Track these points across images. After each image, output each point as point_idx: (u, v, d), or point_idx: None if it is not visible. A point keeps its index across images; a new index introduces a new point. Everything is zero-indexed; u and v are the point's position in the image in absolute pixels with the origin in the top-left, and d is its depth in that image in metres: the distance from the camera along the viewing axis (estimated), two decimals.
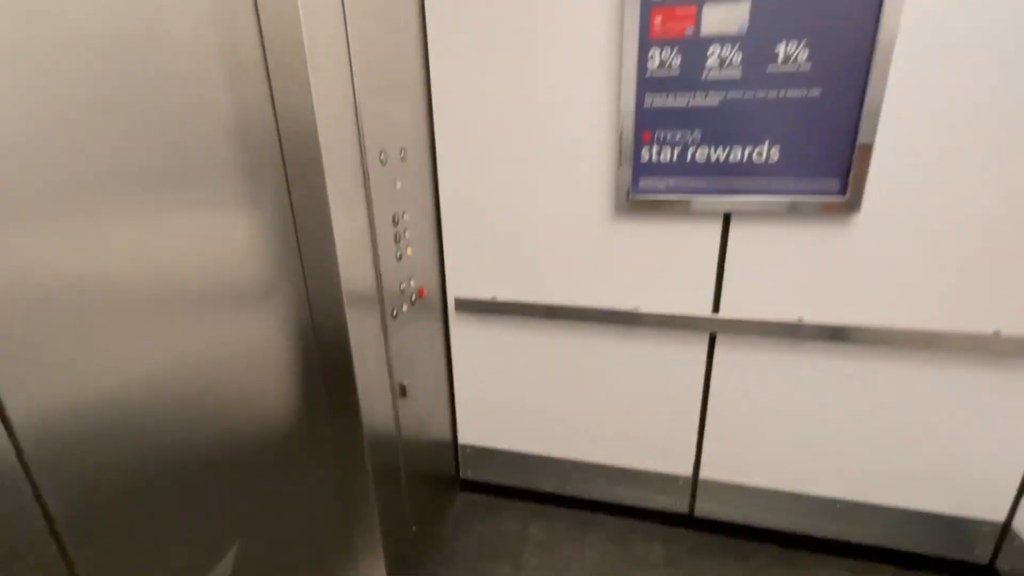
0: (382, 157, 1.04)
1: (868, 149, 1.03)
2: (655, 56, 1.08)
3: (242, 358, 0.82)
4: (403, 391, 1.19)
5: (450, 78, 1.23)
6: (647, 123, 1.14)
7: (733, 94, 1.07)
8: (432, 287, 1.36)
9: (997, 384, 1.15)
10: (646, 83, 1.11)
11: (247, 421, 0.84)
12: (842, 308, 1.17)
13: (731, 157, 1.12)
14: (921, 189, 1.05)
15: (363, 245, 1.01)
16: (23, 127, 0.52)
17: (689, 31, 1.06)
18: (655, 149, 1.15)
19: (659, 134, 1.14)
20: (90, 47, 0.58)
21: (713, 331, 1.27)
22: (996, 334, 1.10)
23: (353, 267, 0.97)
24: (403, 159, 1.14)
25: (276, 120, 0.85)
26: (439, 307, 1.42)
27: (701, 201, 1.15)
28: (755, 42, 1.03)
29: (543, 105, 1.19)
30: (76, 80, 0.57)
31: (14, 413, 0.51)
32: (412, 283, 1.22)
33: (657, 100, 1.11)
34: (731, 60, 1.05)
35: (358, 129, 0.96)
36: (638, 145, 1.16)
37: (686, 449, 1.41)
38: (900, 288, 1.13)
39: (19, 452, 0.52)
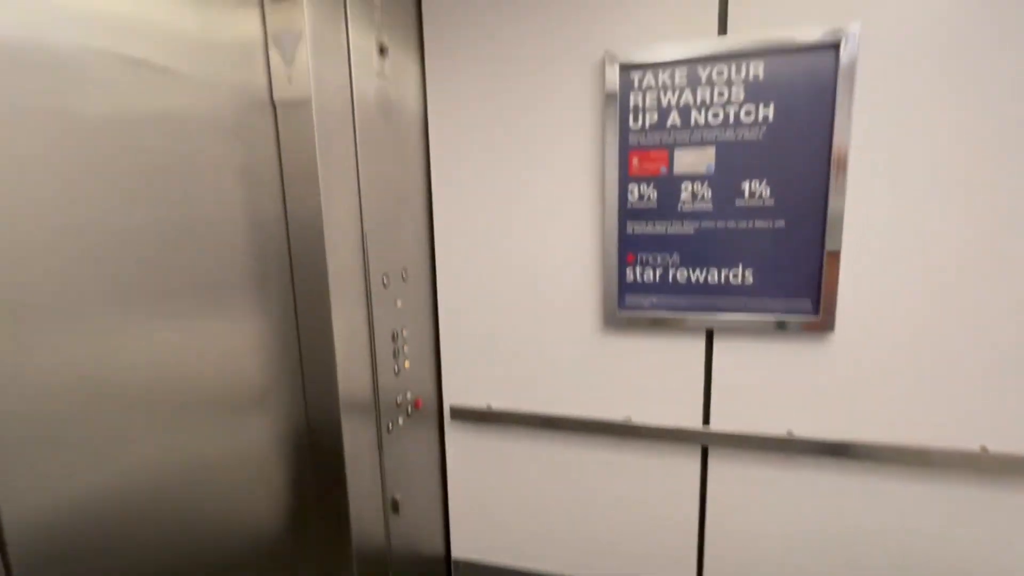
0: (384, 280, 1.13)
1: (835, 273, 1.12)
2: (635, 190, 1.21)
3: (234, 465, 0.85)
4: (395, 506, 1.19)
5: (450, 205, 1.35)
6: (630, 247, 1.24)
7: (707, 223, 1.18)
8: (428, 397, 1.39)
9: (987, 502, 1.14)
10: (627, 213, 1.22)
11: (235, 527, 0.85)
12: (830, 422, 1.20)
13: (710, 278, 1.20)
14: (892, 307, 1.12)
15: (362, 361, 1.06)
16: (63, 242, 0.60)
17: (663, 170, 1.19)
18: (638, 270, 1.24)
19: (642, 256, 1.23)
20: (124, 173, 0.67)
21: (705, 444, 1.28)
22: (983, 450, 1.11)
23: (352, 383, 1.02)
24: (404, 279, 1.23)
25: (288, 242, 0.95)
26: (434, 416, 1.44)
27: (684, 318, 1.22)
28: (722, 180, 1.16)
29: (535, 230, 1.30)
30: (111, 202, 0.65)
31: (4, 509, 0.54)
32: (409, 395, 1.25)
33: (638, 227, 1.22)
34: (702, 195, 1.17)
35: (364, 255, 1.06)
36: (623, 266, 1.25)
37: (686, 563, 1.36)
38: (884, 403, 1.16)
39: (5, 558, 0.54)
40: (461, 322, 1.40)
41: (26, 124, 0.57)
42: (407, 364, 1.24)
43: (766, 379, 1.22)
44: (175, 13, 0.74)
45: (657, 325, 1.25)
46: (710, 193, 1.17)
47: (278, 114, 0.92)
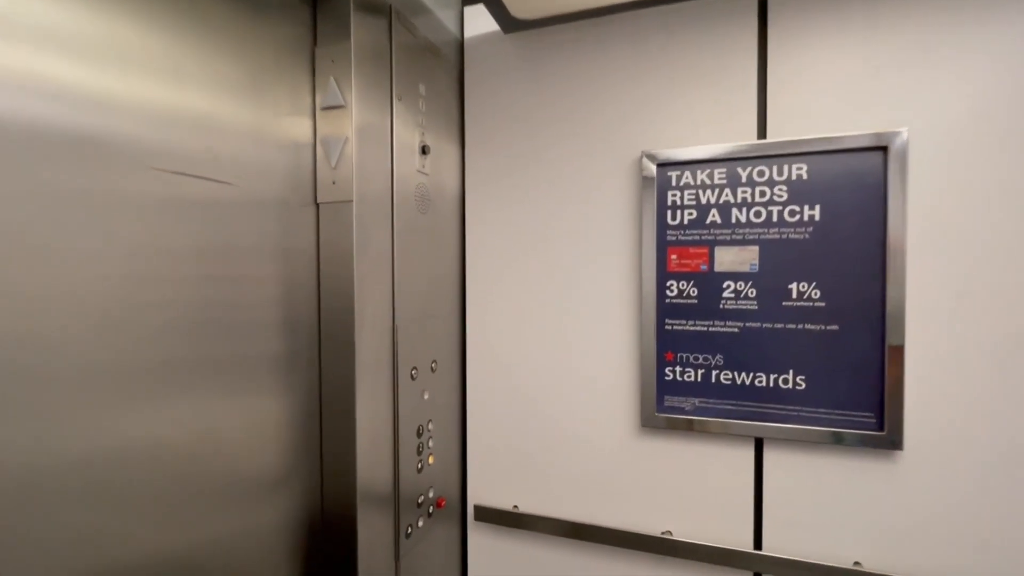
0: (413, 373, 1.10)
1: (899, 375, 1.02)
2: (673, 286, 1.17)
3: (240, 554, 0.80)
4: None
5: (484, 297, 1.34)
6: (669, 344, 1.18)
7: (751, 324, 1.12)
8: (452, 495, 1.31)
9: None
10: (666, 308, 1.18)
11: None
12: (904, 553, 1.04)
13: (756, 382, 1.12)
14: (969, 419, 1.00)
15: (384, 455, 1.01)
16: (119, 328, 0.59)
17: (703, 267, 1.15)
18: (678, 369, 1.17)
19: (682, 355, 1.17)
20: (177, 258, 0.69)
21: (757, 571, 1.14)
22: None
23: (371, 476, 0.97)
24: (433, 370, 1.20)
25: (319, 332, 0.95)
26: (457, 516, 1.35)
27: (729, 424, 1.13)
28: (767, 280, 1.11)
29: (570, 325, 1.27)
30: (168, 293, 0.66)
31: None
32: (431, 493, 1.19)
33: (677, 324, 1.17)
34: (746, 293, 1.12)
35: (393, 348, 1.04)
36: (661, 365, 1.18)
37: None
38: (969, 535, 1.01)
39: None
40: (489, 416, 1.35)
41: (79, 205, 0.60)
42: (431, 460, 1.18)
43: (827, 498, 1.09)
44: (233, 117, 0.79)
45: (699, 429, 1.16)
46: (755, 292, 1.11)
47: (320, 212, 0.95)
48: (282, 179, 0.88)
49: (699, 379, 1.16)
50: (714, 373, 1.15)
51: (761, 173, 1.11)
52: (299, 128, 0.92)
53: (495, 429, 1.34)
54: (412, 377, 1.10)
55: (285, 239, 0.89)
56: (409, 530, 1.09)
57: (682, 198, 1.16)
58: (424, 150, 1.14)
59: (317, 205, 0.95)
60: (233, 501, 0.80)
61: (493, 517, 1.33)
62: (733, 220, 1.13)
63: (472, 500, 1.36)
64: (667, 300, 1.18)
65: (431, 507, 1.19)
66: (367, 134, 0.96)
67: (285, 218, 0.89)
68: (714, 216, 1.14)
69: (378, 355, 1.00)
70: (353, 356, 0.93)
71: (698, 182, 1.15)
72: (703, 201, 1.15)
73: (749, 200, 1.12)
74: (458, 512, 1.36)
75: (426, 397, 1.16)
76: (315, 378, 0.95)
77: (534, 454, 1.31)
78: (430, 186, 1.18)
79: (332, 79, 0.92)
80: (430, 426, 1.18)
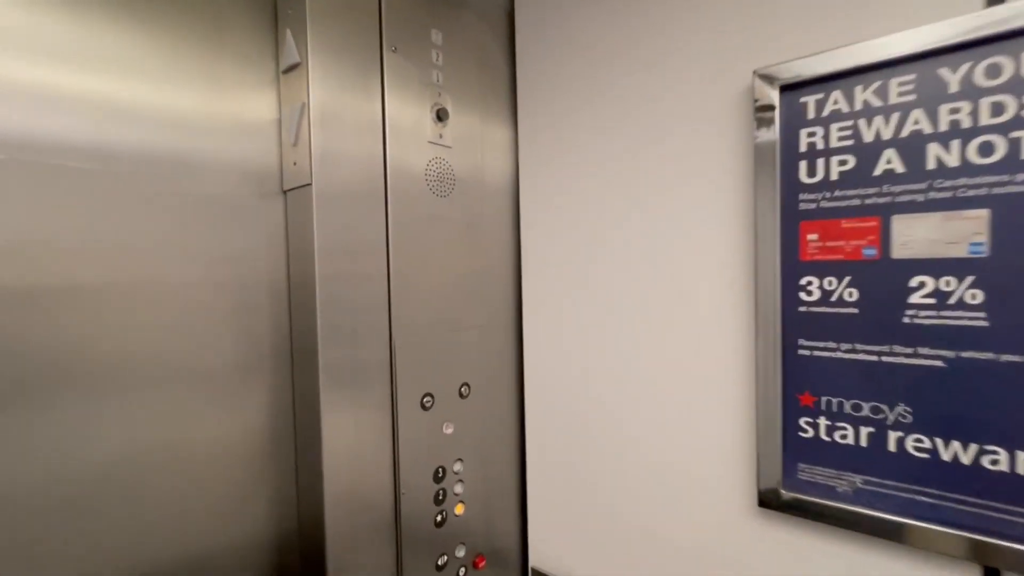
0: (426, 402, 0.86)
1: None
2: (812, 285, 0.71)
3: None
4: None
5: (544, 308, 1.04)
6: (804, 379, 0.72)
7: (972, 353, 0.61)
8: (504, 551, 1.04)
9: None
10: (797, 321, 0.72)
11: None
12: None
13: (985, 460, 0.61)
14: None
15: (378, 507, 0.80)
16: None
17: (869, 252, 0.67)
18: (824, 423, 0.71)
19: (829, 401, 0.70)
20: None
21: None
22: None
23: (352, 540, 0.76)
24: (464, 396, 0.94)
25: (291, 341, 0.77)
26: None
27: (930, 533, 0.63)
28: (1008, 272, 0.58)
29: (649, 344, 0.89)
30: None
31: None
32: (460, 552, 0.93)
33: (820, 348, 0.71)
34: (960, 297, 0.61)
35: (390, 367, 0.82)
36: (792, 411, 0.73)
37: None
38: None
39: None
40: (553, 459, 1.03)
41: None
42: (459, 510, 0.93)
43: None
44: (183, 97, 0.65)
45: (866, 530, 0.68)
46: (980, 296, 0.60)
47: (287, 201, 0.77)
48: (241, 170, 0.73)
49: (864, 442, 0.68)
50: (894, 436, 0.66)
51: (994, 71, 0.59)
52: (261, 102, 0.75)
53: (562, 476, 1.02)
54: (424, 407, 0.86)
55: (247, 238, 0.73)
56: None
57: (827, 138, 0.69)
58: (440, 115, 0.89)
59: (284, 194, 0.77)
60: (194, 522, 0.67)
61: None
62: (931, 166, 0.63)
63: (532, 562, 1.07)
64: (800, 307, 0.72)
65: (462, 568, 0.94)
66: (334, 97, 0.74)
67: (245, 214, 0.73)
68: (890, 162, 0.65)
69: (362, 375, 0.78)
70: (316, 374, 0.73)
71: (857, 107, 0.67)
72: (867, 138, 0.67)
73: (967, 125, 0.60)
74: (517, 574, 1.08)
75: (448, 432, 0.91)
76: (288, 395, 0.78)
77: (611, 516, 0.95)
78: (455, 161, 0.93)
79: (288, 32, 0.73)
80: (457, 467, 0.93)
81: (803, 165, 0.71)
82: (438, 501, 0.89)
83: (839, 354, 0.69)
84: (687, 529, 0.85)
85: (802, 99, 0.71)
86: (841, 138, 0.69)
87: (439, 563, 0.89)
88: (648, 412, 0.89)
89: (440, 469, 0.89)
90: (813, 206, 0.71)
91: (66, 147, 0.59)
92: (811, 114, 0.70)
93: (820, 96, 0.70)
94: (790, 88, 0.72)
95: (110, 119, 0.62)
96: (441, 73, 0.90)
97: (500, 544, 1.03)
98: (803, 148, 0.71)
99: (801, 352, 0.72)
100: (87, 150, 0.60)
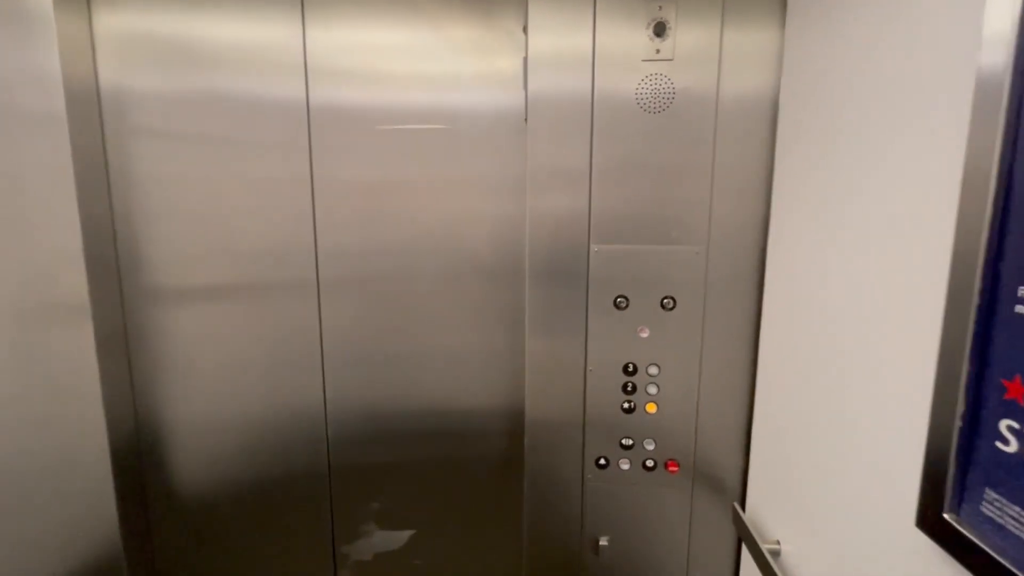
0: (619, 301, 0.99)
1: None
2: None
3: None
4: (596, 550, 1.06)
5: (793, 245, 0.88)
6: (1015, 356, 0.42)
7: None
8: (712, 474, 1.03)
9: None
10: (1018, 251, 0.41)
11: None
12: None
13: None
14: None
15: (567, 374, 1.03)
16: None
17: None
18: None
19: None
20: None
21: None
22: None
23: (545, 385, 1.04)
24: (667, 308, 0.98)
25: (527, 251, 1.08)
26: (711, 498, 1.04)
27: None
28: None
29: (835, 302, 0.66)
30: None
31: None
32: (649, 446, 1.02)
33: None
34: None
35: (587, 270, 0.99)
36: (988, 404, 0.44)
37: None
38: None
39: None
40: (777, 410, 0.91)
41: None
42: (651, 408, 1.01)
43: None
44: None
45: None
46: None
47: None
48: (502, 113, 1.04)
49: None
50: None
51: None
52: (517, 60, 1.03)
53: (782, 429, 0.90)
54: (617, 306, 0.99)
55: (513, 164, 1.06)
56: (603, 461, 1.04)
57: None
58: (660, 30, 0.90)
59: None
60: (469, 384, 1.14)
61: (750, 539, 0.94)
62: None
63: (749, 508, 1.00)
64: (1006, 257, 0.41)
65: (650, 461, 1.03)
66: (549, 46, 0.93)
67: (507, 147, 1.05)
68: None
69: (562, 276, 0.99)
70: (524, 273, 1.00)
71: None
72: None
73: None
74: (719, 499, 1.04)
75: (644, 335, 0.99)
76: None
77: (810, 493, 0.80)
78: (676, 75, 0.92)
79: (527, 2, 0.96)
80: (651, 370, 1.00)
81: None
82: (626, 391, 1.01)
83: None
84: (854, 535, 0.64)
85: None
86: None
87: (623, 442, 1.03)
88: (834, 388, 0.68)
89: (630, 364, 1.00)
90: None
91: (413, 112, 1.07)
92: None
93: None
94: None
95: (426, 89, 1.05)
96: None
97: (711, 472, 1.03)
98: None
99: (1020, 310, 0.42)
100: (426, 114, 1.07)
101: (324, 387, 1.10)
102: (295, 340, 1.09)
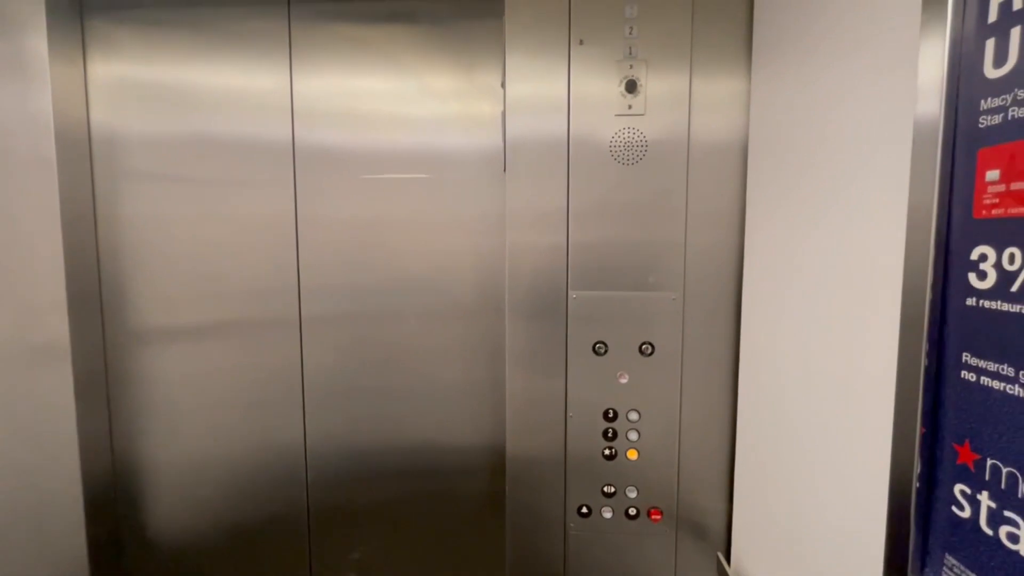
0: (598, 347, 0.99)
1: None
2: (984, 263, 0.40)
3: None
4: None
5: (762, 289, 0.90)
6: (964, 421, 0.42)
7: None
8: (700, 522, 1.01)
9: None
10: (962, 322, 0.42)
11: None
12: None
13: None
14: None
15: (548, 420, 1.02)
16: None
17: None
18: (986, 500, 0.40)
19: (996, 466, 0.40)
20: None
21: None
22: None
23: (524, 429, 1.03)
24: (645, 354, 0.98)
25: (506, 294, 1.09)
26: (694, 549, 1.02)
27: None
28: None
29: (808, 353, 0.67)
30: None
31: None
32: (631, 493, 1.01)
33: (991, 373, 0.40)
34: None
35: (565, 317, 1.00)
36: (942, 469, 0.44)
37: None
38: None
39: None
40: (754, 453, 0.91)
41: None
42: (632, 455, 1.00)
43: None
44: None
45: None
46: None
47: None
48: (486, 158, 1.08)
49: None
50: None
51: None
52: (496, 109, 1.06)
53: (763, 477, 0.89)
54: (596, 351, 0.99)
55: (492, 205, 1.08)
56: (585, 509, 1.02)
57: None
58: (631, 87, 0.94)
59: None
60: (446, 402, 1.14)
61: None
62: None
63: (734, 558, 0.98)
64: (968, 299, 0.42)
65: (632, 509, 1.01)
66: (523, 102, 0.97)
67: (486, 191, 1.08)
68: None
69: (541, 317, 1.00)
70: (504, 310, 1.01)
71: None
72: None
73: None
74: (704, 547, 1.02)
75: (623, 381, 0.99)
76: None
77: (791, 544, 0.79)
78: (647, 128, 0.95)
79: (505, 59, 1.00)
80: (631, 416, 1.00)
81: (990, 45, 0.40)
82: (607, 437, 1.01)
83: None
84: None
85: None
86: None
87: (605, 490, 1.02)
88: (818, 426, 0.68)
89: (611, 411, 1.00)
90: (998, 119, 0.39)
91: (396, 157, 1.10)
92: None
93: None
94: None
95: (408, 130, 1.08)
96: (635, 43, 0.94)
97: (695, 519, 1.01)
98: (993, 17, 0.40)
99: (965, 376, 0.43)
100: (408, 159, 1.10)
101: (304, 425, 1.10)
102: (276, 379, 1.09)
